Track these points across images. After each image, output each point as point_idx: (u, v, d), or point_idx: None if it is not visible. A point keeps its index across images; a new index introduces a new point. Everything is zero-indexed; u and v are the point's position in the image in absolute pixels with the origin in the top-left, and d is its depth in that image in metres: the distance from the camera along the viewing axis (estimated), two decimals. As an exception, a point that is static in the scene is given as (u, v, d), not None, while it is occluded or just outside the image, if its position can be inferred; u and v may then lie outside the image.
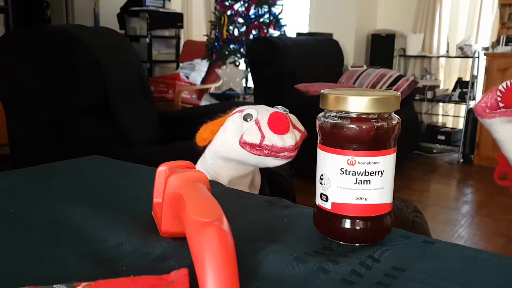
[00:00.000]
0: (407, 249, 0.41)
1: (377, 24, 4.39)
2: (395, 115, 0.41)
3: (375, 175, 0.40)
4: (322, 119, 0.42)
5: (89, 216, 0.46)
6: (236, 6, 3.98)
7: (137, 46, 4.48)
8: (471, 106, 3.78)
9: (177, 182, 0.39)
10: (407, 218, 0.93)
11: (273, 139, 0.65)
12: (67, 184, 0.58)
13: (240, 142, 0.68)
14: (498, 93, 0.62)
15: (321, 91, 0.42)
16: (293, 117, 0.70)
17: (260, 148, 0.66)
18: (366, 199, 0.40)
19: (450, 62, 4.16)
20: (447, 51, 4.04)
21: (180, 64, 4.74)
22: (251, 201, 0.54)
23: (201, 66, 4.42)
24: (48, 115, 1.61)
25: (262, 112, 0.68)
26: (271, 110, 0.68)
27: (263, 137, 0.65)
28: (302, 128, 0.70)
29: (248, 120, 0.68)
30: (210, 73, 4.39)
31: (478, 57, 3.74)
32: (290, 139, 0.66)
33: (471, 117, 3.70)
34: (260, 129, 0.66)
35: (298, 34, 4.12)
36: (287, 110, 0.70)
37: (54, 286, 0.31)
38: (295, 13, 4.82)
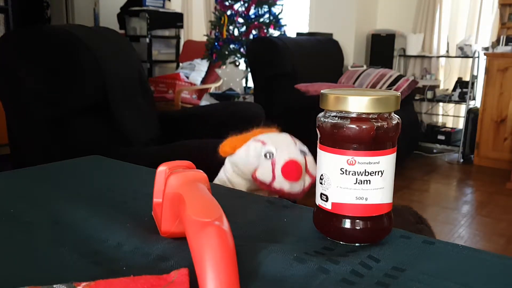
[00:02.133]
0: (407, 249, 0.41)
1: (377, 24, 4.39)
2: (395, 115, 0.41)
3: (375, 175, 0.40)
4: (322, 119, 0.42)
5: (89, 216, 0.46)
6: (236, 6, 3.98)
7: (137, 46, 4.48)
8: (471, 106, 3.78)
9: (177, 182, 0.39)
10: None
11: (282, 183, 0.69)
12: (67, 184, 0.58)
13: (252, 176, 0.72)
14: None
15: (321, 91, 0.42)
16: (310, 160, 0.73)
17: (268, 187, 0.70)
18: (366, 199, 0.40)
19: (450, 62, 4.16)
20: (447, 51, 4.04)
21: (180, 64, 4.74)
22: (251, 201, 0.54)
23: (201, 66, 4.42)
24: (48, 115, 1.61)
25: (281, 152, 0.71)
26: (290, 152, 0.71)
27: (273, 179, 0.69)
28: (315, 173, 0.72)
29: (268, 158, 0.71)
30: (210, 73, 4.39)
31: (478, 57, 3.74)
32: (298, 186, 0.69)
33: (471, 117, 3.70)
34: (273, 171, 0.70)
35: (298, 34, 4.12)
36: (306, 152, 0.73)
37: (54, 286, 0.31)
38: (295, 13, 4.82)
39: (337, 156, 0.40)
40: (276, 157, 0.70)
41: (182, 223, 0.37)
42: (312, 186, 0.46)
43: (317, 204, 0.43)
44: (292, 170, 0.68)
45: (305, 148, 0.73)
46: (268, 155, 0.71)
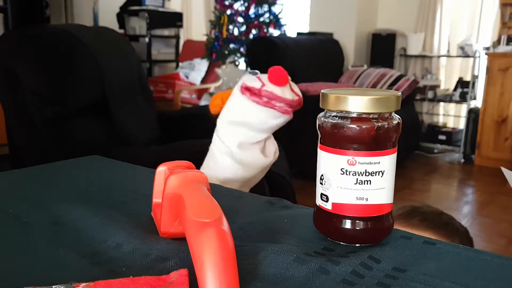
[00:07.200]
0: (407, 250, 0.40)
1: (377, 24, 4.38)
2: (396, 115, 0.41)
3: (375, 175, 0.40)
4: (322, 119, 0.41)
5: (88, 216, 0.46)
6: (236, 6, 3.98)
7: (137, 45, 4.48)
8: (472, 106, 3.78)
9: (177, 182, 0.38)
10: (461, 228, 0.86)
11: (272, 87, 0.70)
12: (67, 184, 0.58)
13: (241, 88, 0.72)
14: None
15: (322, 90, 0.41)
16: (293, 84, 0.76)
17: (259, 95, 0.71)
18: (367, 199, 0.40)
19: (451, 61, 4.16)
20: (448, 51, 4.04)
21: (180, 63, 4.73)
22: (251, 201, 0.54)
23: (201, 66, 4.42)
24: (47, 115, 1.61)
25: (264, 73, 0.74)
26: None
27: (263, 84, 0.71)
28: (300, 95, 0.75)
29: (253, 75, 0.75)
30: (210, 73, 4.39)
31: (479, 56, 3.73)
32: (288, 93, 0.71)
33: (472, 117, 3.70)
34: (260, 80, 0.72)
35: (298, 33, 4.12)
36: (290, 78, 0.76)
37: (53, 286, 0.31)
38: (295, 13, 4.82)
39: (338, 156, 0.40)
40: (261, 74, 0.74)
41: (181, 223, 0.37)
42: (313, 186, 0.46)
43: (317, 205, 0.43)
44: (278, 73, 0.71)
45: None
46: (253, 73, 0.74)
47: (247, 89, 0.72)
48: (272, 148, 0.81)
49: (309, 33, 4.08)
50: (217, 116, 0.80)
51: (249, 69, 0.77)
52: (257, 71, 0.74)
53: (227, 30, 3.97)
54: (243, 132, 0.74)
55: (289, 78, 0.74)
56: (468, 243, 0.80)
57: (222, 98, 0.79)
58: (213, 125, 0.80)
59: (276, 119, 0.73)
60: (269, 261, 0.37)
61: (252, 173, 0.77)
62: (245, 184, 0.78)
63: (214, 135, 0.79)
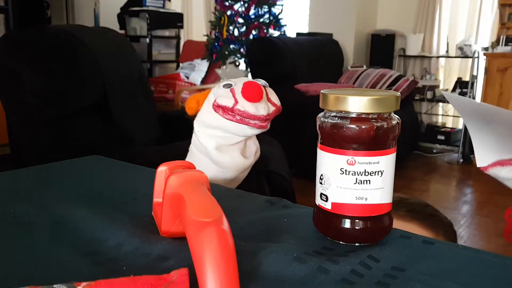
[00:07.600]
0: (407, 249, 0.41)
1: (377, 24, 4.39)
2: (395, 115, 0.41)
3: (375, 175, 0.40)
4: (322, 119, 0.42)
5: (89, 216, 0.46)
6: (236, 6, 3.98)
7: (137, 46, 4.48)
8: (471, 106, 3.78)
9: (177, 182, 0.39)
10: (446, 221, 0.87)
11: (245, 105, 0.67)
12: (67, 184, 0.58)
13: (213, 105, 0.70)
14: None
15: (321, 91, 0.42)
16: (270, 91, 0.73)
17: (232, 113, 0.68)
18: (366, 199, 0.40)
19: (450, 62, 4.16)
20: (447, 51, 4.04)
21: (180, 64, 4.74)
22: (251, 201, 0.54)
23: (201, 66, 4.42)
24: (48, 115, 1.61)
25: (239, 82, 0.70)
26: (248, 79, 0.70)
27: (236, 102, 0.67)
28: (278, 103, 0.72)
29: (226, 88, 0.71)
30: (210, 73, 4.39)
31: (477, 57, 3.74)
32: (262, 109, 0.68)
33: (471, 117, 3.70)
34: (234, 96, 0.68)
35: (298, 34, 4.13)
36: (267, 84, 0.73)
37: (54, 286, 0.31)
38: (295, 13, 4.82)
39: (337, 156, 0.40)
40: (235, 86, 0.69)
41: (182, 223, 0.37)
42: (313, 186, 0.46)
43: (317, 204, 0.44)
44: (252, 88, 0.67)
45: (263, 82, 0.73)
46: (226, 86, 0.70)
47: (219, 107, 0.69)
48: (253, 148, 0.78)
49: (309, 34, 4.08)
50: (193, 117, 0.79)
51: (225, 82, 0.73)
52: (231, 82, 0.71)
53: (227, 30, 3.97)
54: (220, 134, 0.72)
55: (264, 89, 0.71)
56: (452, 235, 0.81)
57: (197, 100, 0.76)
58: (191, 126, 0.79)
59: (252, 130, 0.71)
60: (269, 261, 0.37)
61: (232, 174, 0.75)
62: (228, 184, 0.76)
63: (193, 135, 0.79)
